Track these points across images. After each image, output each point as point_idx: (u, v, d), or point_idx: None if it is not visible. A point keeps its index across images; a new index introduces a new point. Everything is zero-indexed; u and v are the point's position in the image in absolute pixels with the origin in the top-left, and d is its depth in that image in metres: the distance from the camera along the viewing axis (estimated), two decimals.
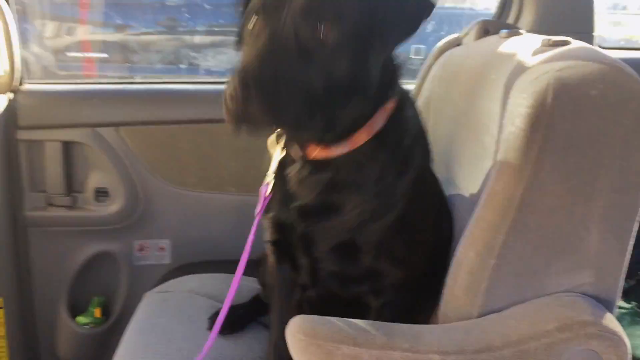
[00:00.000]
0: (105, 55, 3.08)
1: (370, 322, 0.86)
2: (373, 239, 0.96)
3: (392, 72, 0.95)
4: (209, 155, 1.76)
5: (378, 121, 0.93)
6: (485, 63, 1.11)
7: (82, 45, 3.05)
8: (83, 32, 3.03)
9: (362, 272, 0.99)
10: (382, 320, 0.93)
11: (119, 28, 3.07)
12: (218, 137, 1.75)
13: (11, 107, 1.65)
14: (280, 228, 1.04)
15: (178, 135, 1.74)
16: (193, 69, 2.76)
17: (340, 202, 0.95)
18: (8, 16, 1.55)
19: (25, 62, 1.72)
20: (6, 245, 1.68)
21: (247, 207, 1.79)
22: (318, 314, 0.87)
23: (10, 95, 1.65)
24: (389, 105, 0.95)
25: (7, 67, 1.59)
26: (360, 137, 0.93)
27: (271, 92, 0.76)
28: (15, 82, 1.61)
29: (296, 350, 0.84)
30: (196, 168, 1.78)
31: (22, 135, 1.68)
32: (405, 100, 0.99)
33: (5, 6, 1.54)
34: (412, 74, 1.61)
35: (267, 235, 1.08)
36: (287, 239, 1.03)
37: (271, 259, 1.13)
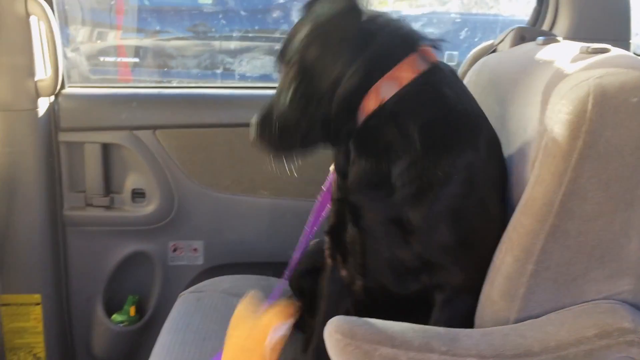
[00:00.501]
0: (136, 60, 3.15)
1: (408, 324, 0.87)
2: (421, 222, 0.95)
3: (387, 44, 0.98)
4: (243, 159, 1.79)
5: (384, 89, 0.96)
6: (522, 70, 1.12)
7: (117, 50, 3.12)
8: (114, 37, 3.10)
9: (415, 260, 0.98)
10: (442, 320, 0.94)
11: (151, 33, 3.13)
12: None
13: (53, 109, 1.71)
14: (338, 209, 1.07)
15: (213, 139, 1.78)
16: (228, 74, 2.80)
17: (375, 172, 0.98)
18: (53, 22, 1.60)
19: (66, 67, 1.78)
20: (46, 244, 1.73)
21: (279, 210, 1.83)
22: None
23: (52, 99, 1.71)
24: (399, 74, 0.96)
25: (50, 71, 1.65)
26: (369, 105, 0.97)
27: (270, 130, 1.03)
28: (58, 86, 1.66)
29: (334, 351, 0.85)
30: (230, 171, 1.81)
31: (63, 137, 1.73)
32: (430, 72, 0.98)
33: (50, 12, 1.59)
34: None
35: (326, 225, 1.12)
36: (342, 221, 1.05)
37: (328, 261, 1.15)
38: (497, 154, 1.03)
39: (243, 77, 2.74)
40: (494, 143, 1.03)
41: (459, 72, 1.54)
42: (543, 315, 0.87)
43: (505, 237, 0.91)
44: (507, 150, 1.08)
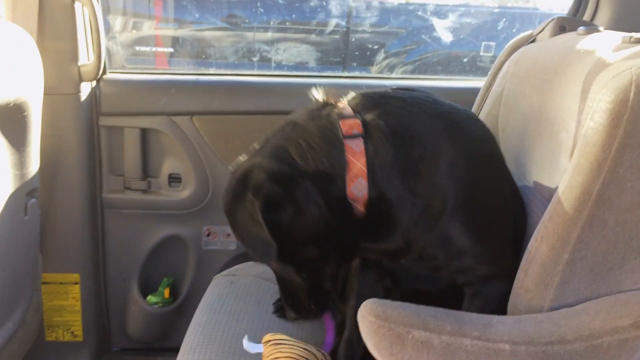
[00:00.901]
0: (172, 50, 3.20)
1: (441, 309, 0.87)
2: (437, 246, 0.99)
3: (322, 174, 0.95)
4: None
5: (358, 191, 0.94)
6: (562, 60, 1.11)
7: (153, 40, 3.17)
8: (150, 27, 3.14)
9: (442, 270, 1.03)
10: (473, 308, 0.96)
11: (187, 24, 3.17)
12: None
13: (95, 94, 1.75)
14: None
15: (248, 126, 1.80)
16: (263, 64, 2.83)
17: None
18: (96, 8, 1.64)
19: (108, 53, 1.82)
20: (85, 225, 1.78)
21: None
22: None
23: (94, 84, 1.75)
24: (355, 171, 0.94)
25: (93, 57, 1.69)
26: (360, 209, 0.96)
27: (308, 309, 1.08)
28: (100, 71, 1.70)
29: (367, 333, 0.86)
30: None
31: (104, 121, 1.77)
32: (370, 141, 0.95)
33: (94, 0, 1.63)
34: (482, 72, 1.60)
35: None
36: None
37: (356, 262, 1.17)
38: (472, 133, 1.01)
39: (279, 67, 2.76)
40: (460, 120, 1.00)
41: (497, 61, 1.53)
42: (577, 304, 0.87)
43: (541, 226, 0.90)
44: (544, 140, 1.07)
